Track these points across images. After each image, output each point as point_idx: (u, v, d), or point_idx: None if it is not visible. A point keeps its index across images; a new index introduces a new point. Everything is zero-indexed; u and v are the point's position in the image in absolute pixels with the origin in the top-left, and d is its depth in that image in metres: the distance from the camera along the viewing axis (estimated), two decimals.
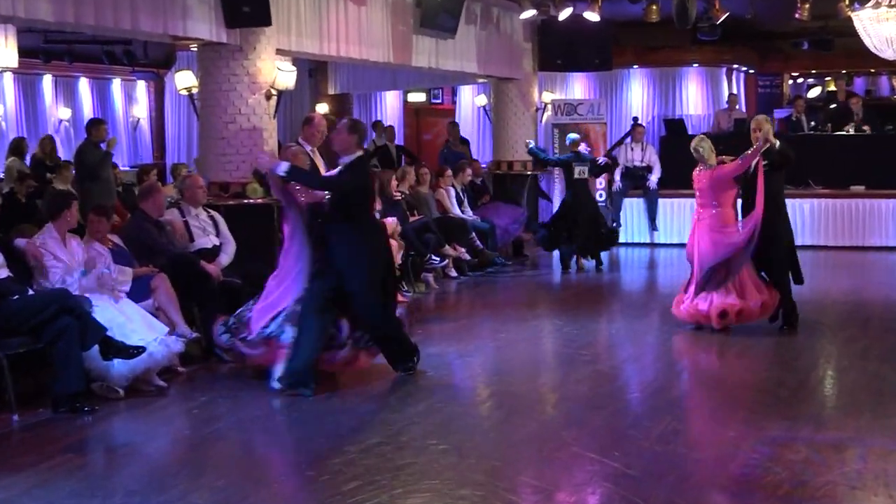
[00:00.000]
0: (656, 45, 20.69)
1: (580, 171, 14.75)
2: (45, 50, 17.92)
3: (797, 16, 16.05)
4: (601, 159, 15.57)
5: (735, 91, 21.87)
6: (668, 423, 7.28)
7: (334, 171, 8.46)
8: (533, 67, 18.30)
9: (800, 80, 23.83)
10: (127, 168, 18.25)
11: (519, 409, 7.80)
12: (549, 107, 18.85)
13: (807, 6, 15.82)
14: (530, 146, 15.52)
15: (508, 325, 10.91)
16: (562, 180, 16.41)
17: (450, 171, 15.31)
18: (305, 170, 8.45)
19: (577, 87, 21.48)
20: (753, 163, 9.83)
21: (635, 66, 21.55)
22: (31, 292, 7.96)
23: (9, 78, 18.83)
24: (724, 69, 21.92)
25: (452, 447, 6.74)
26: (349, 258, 8.17)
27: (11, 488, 6.01)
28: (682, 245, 11.26)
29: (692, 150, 10.11)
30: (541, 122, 19.10)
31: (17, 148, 15.46)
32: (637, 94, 21.88)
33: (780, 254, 10.08)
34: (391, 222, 12.27)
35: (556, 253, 15.46)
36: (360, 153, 8.49)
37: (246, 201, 11.03)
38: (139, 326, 8.18)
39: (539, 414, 7.81)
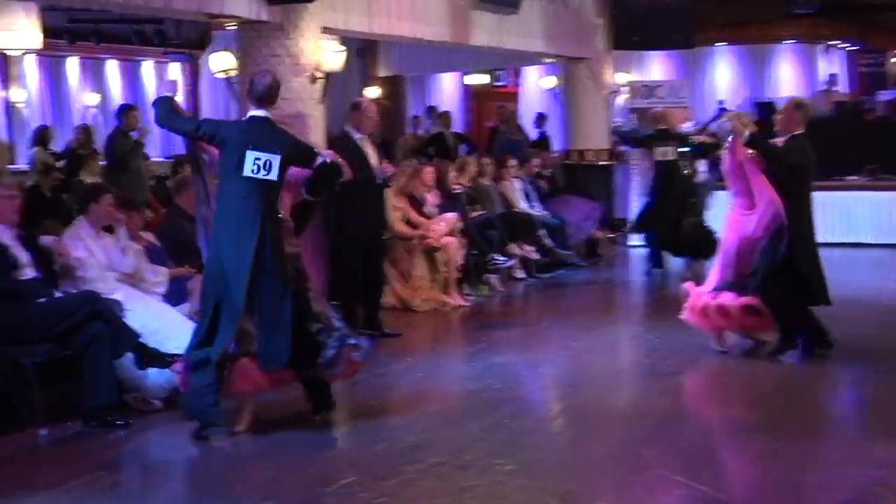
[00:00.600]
0: (745, 20, 20.45)
1: (665, 152, 14.20)
2: (70, 30, 18.12)
3: None
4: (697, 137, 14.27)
5: (835, 70, 21.58)
6: (764, 441, 7.22)
7: None
8: (606, 45, 18.17)
9: None
10: (161, 159, 18.32)
11: (595, 426, 7.77)
12: (625, 89, 18.73)
13: None
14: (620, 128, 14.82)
15: (582, 333, 10.82)
16: (642, 171, 16.14)
17: (514, 161, 15.22)
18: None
19: (656, 67, 21.33)
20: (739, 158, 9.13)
21: (722, 44, 21.39)
22: (58, 295, 8.06)
23: (32, 60, 19.06)
24: (822, 46, 21.65)
25: (521, 468, 6.71)
26: None
27: None
28: None
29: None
30: (616, 105, 18.96)
31: (42, 138, 15.65)
32: (723, 74, 21.74)
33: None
34: (451, 218, 12.27)
35: (639, 252, 15.23)
36: None
37: None
38: (176, 332, 8.23)
39: (617, 431, 7.74)
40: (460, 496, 6.18)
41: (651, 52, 20.59)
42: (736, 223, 9.29)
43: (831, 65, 21.86)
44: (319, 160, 7.60)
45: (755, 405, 8.35)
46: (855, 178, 17.19)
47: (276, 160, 7.19)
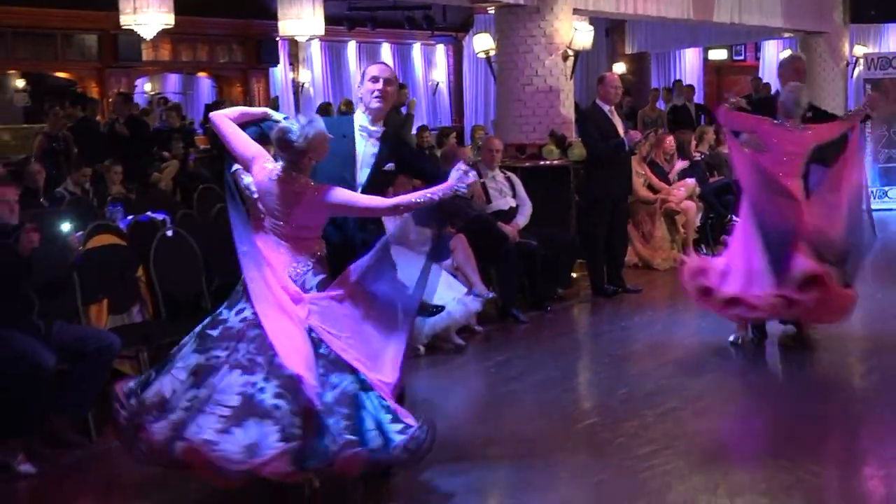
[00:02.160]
0: None
1: None
2: (349, 17, 18.68)
3: None
4: None
5: None
6: None
7: None
8: (843, 19, 17.46)
9: None
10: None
11: (832, 380, 7.54)
12: (861, 61, 17.93)
13: None
14: None
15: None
16: (875, 139, 15.33)
17: None
18: None
19: (893, 39, 20.27)
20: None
21: None
22: None
23: (316, 45, 19.73)
24: None
25: (751, 414, 6.60)
26: None
27: None
28: None
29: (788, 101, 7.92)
30: (851, 77, 18.20)
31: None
32: None
33: None
34: (690, 183, 12.11)
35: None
36: None
37: (542, 163, 11.11)
38: (439, 286, 8.40)
39: (849, 386, 7.51)
40: (694, 439, 6.13)
41: (889, 25, 19.58)
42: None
43: None
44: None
45: None
46: None
47: None
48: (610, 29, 19.52)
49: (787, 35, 17.72)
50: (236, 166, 5.38)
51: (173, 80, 21.01)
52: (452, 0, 10.98)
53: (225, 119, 5.29)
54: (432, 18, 19.42)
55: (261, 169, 5.17)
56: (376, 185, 5.70)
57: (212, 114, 5.51)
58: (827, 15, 17.01)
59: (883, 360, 7.83)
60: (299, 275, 5.25)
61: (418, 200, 5.39)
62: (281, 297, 5.11)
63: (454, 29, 20.51)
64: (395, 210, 5.58)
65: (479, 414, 7.08)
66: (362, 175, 5.67)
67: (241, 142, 5.24)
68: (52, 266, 6.25)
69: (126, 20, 11.93)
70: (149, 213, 8.93)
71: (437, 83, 22.18)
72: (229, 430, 4.75)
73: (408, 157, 6.12)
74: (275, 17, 14.11)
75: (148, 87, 20.15)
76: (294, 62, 19.35)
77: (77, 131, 13.19)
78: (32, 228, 6.22)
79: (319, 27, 13.76)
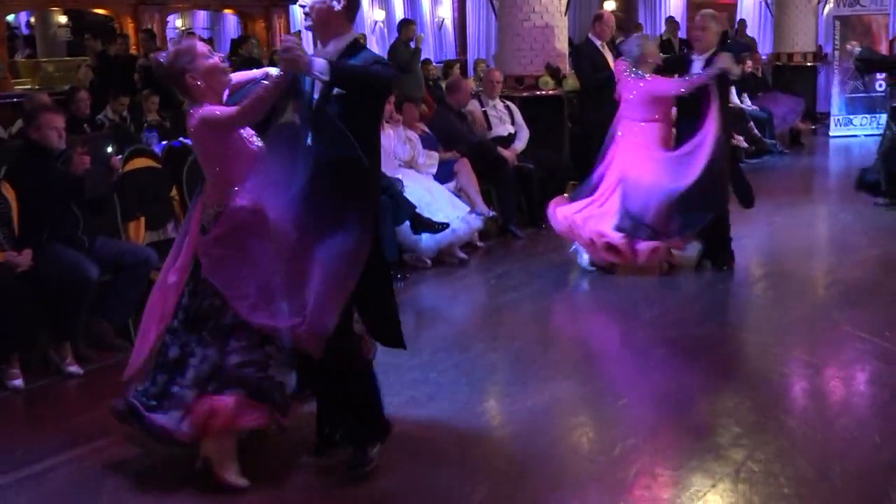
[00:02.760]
0: None
1: None
2: None
3: None
4: None
5: None
6: None
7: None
8: None
9: None
10: (434, 63, 18.57)
11: (792, 291, 7.53)
12: None
13: None
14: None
15: (783, 210, 10.39)
16: (842, 71, 15.08)
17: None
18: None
19: None
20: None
21: None
22: None
23: None
24: None
25: (728, 323, 6.63)
26: None
27: None
28: None
29: (629, 48, 7.76)
30: (822, 14, 17.95)
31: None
32: None
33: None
34: None
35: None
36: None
37: (538, 93, 11.02)
38: (444, 205, 8.42)
39: (811, 296, 7.51)
40: (671, 349, 6.15)
41: None
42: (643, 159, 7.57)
43: None
44: None
45: None
46: None
47: None
48: None
49: None
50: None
51: (202, 17, 20.77)
52: None
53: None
54: None
55: None
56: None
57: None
58: None
59: (839, 275, 7.89)
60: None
61: (266, 89, 4.19)
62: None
63: None
64: (252, 109, 4.22)
65: (481, 320, 7.12)
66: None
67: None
68: (95, 186, 6.26)
69: None
70: (181, 139, 8.89)
71: (443, 20, 21.94)
72: None
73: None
74: None
75: (179, 22, 19.94)
76: None
77: (111, 63, 13.09)
78: (84, 151, 6.22)
79: None
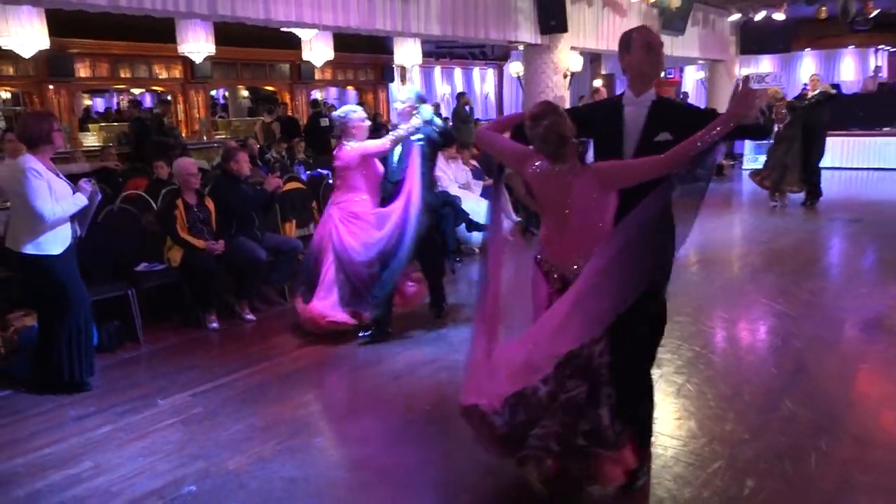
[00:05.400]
0: (822, 35, 18.19)
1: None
2: (436, 52, 18.37)
3: None
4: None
5: (879, 63, 19.01)
6: (817, 282, 6.67)
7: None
8: (735, 52, 16.76)
9: None
10: (482, 121, 18.44)
11: (716, 270, 7.37)
12: (748, 77, 17.19)
13: None
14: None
15: (712, 218, 10.14)
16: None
17: None
18: None
19: (766, 63, 19.44)
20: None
21: (807, 49, 19.16)
22: None
23: (416, 69, 19.36)
24: (873, 49, 19.04)
25: (672, 294, 6.47)
26: None
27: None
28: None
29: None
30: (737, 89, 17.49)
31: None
32: (807, 68, 19.51)
33: None
34: None
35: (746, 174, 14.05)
36: None
37: None
38: (483, 212, 8.33)
39: (728, 273, 7.33)
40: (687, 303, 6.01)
41: (763, 55, 18.75)
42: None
43: (878, 61, 19.23)
44: None
45: (815, 260, 7.68)
46: (888, 128, 15.38)
47: None
48: (593, 58, 18.92)
49: (700, 62, 17.07)
50: (508, 170, 3.51)
51: (333, 91, 20.82)
52: (498, 41, 10.62)
53: (489, 132, 3.41)
54: (485, 52, 19.05)
55: (530, 167, 3.26)
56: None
57: (477, 130, 3.51)
58: (726, 49, 16.34)
59: (748, 260, 7.66)
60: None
61: (697, 144, 2.94)
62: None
63: (498, 59, 20.07)
64: (674, 161, 2.97)
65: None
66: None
67: (509, 145, 3.36)
68: (264, 198, 6.31)
69: (305, 55, 12.16)
70: (318, 170, 8.97)
71: (487, 93, 21.77)
72: None
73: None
74: (391, 52, 13.97)
75: (318, 95, 20.00)
76: (402, 79, 19.05)
77: (285, 121, 13.28)
78: (276, 176, 6.36)
79: (418, 58, 13.57)
